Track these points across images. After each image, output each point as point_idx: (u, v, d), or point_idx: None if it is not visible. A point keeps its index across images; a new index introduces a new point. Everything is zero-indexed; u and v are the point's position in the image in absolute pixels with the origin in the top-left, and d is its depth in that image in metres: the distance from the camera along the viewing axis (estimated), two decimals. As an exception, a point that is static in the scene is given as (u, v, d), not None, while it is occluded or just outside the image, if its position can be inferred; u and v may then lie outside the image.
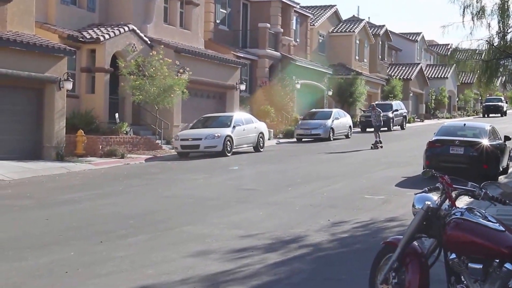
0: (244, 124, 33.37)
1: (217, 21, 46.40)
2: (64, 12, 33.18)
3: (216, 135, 31.13)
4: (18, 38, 26.87)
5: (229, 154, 31.21)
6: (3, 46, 26.04)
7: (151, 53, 33.88)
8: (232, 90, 42.37)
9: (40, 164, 25.99)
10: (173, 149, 32.62)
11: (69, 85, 29.00)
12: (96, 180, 23.02)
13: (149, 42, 35.59)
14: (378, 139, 35.06)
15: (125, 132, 32.19)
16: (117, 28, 33.81)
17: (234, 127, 32.30)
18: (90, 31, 33.41)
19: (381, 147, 34.70)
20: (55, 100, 28.41)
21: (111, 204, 17.09)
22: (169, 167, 27.22)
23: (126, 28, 34.03)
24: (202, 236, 12.54)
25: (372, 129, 37.54)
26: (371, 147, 34.51)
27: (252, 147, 33.93)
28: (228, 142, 31.39)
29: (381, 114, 37.09)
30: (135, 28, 34.72)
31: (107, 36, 32.65)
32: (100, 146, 29.88)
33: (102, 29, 33.80)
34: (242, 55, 45.91)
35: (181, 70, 34.74)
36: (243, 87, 43.09)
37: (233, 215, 15.02)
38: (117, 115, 32.85)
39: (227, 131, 31.68)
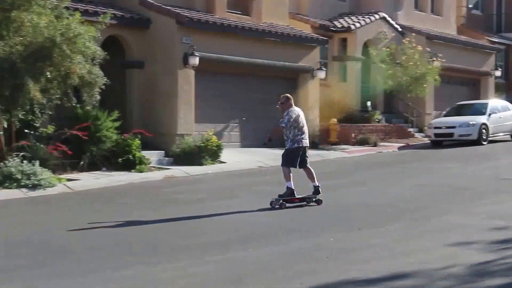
0: (500, 112, 32.08)
1: (470, 6, 45.17)
2: (316, 2, 33.75)
3: (471, 123, 30.19)
4: (273, 29, 27.70)
5: (484, 143, 30.11)
6: (259, 37, 26.95)
7: (403, 41, 33.58)
8: (486, 77, 41.02)
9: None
10: (426, 137, 32.18)
11: (321, 74, 29.44)
12: (350, 167, 23.24)
13: (400, 29, 35.24)
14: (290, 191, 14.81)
15: (377, 120, 32.22)
16: (367, 16, 33.83)
17: (489, 114, 31.07)
18: (341, 20, 33.74)
19: (316, 200, 14.96)
20: (309, 89, 28.96)
21: (366, 191, 17.16)
22: (422, 155, 26.88)
23: (377, 16, 33.97)
24: (460, 225, 12.19)
25: None
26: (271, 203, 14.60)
27: (509, 136, 32.54)
28: (483, 130, 30.32)
29: (301, 121, 15.24)
30: (385, 15, 34.53)
31: (358, 25, 32.79)
32: (353, 134, 30.11)
33: (353, 17, 33.98)
34: (496, 40, 44.30)
35: (434, 58, 34.12)
36: (498, 73, 41.61)
37: (492, 205, 14.46)
38: (369, 103, 32.92)
39: (482, 119, 30.61)
